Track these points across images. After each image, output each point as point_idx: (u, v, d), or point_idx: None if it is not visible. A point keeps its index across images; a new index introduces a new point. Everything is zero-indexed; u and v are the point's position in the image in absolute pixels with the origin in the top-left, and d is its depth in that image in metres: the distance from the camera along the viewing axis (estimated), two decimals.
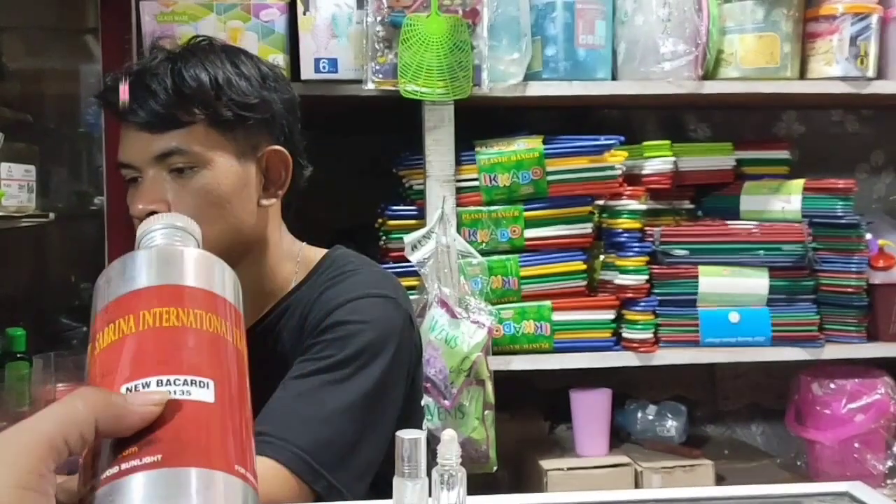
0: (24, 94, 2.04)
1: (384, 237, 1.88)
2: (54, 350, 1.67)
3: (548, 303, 1.85)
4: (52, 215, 1.77)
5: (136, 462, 0.45)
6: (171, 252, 0.54)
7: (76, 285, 2.04)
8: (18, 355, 1.62)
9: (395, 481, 0.74)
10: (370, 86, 1.76)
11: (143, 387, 0.47)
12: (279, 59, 1.81)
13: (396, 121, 1.91)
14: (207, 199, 1.09)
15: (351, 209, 2.16)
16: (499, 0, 1.80)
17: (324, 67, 1.79)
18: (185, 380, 0.48)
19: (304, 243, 1.25)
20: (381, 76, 1.76)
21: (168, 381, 0.48)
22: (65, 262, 2.14)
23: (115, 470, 0.45)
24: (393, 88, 1.76)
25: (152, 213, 1.04)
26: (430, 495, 0.75)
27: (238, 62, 1.14)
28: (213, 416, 0.48)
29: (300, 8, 1.78)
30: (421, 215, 1.83)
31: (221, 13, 1.78)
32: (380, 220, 1.91)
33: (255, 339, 1.10)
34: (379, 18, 1.75)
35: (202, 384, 0.49)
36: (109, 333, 0.50)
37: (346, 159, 2.22)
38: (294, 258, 1.21)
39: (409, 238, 1.78)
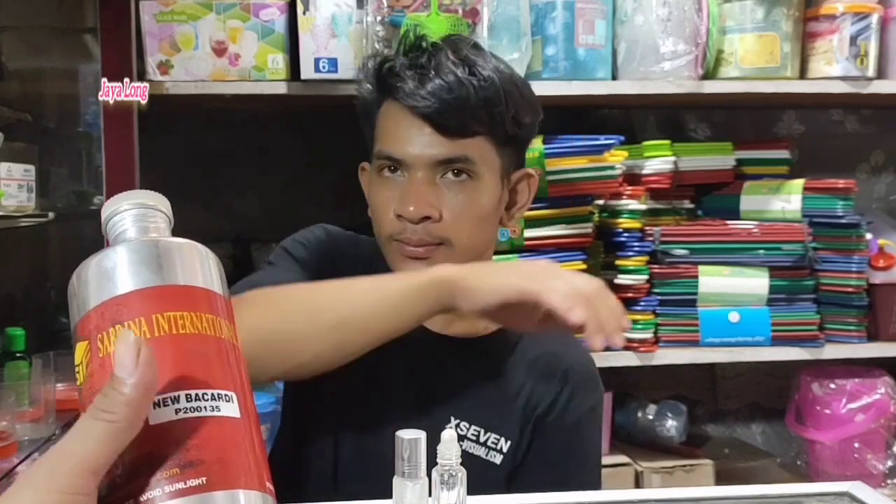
0: (23, 93, 2.04)
1: None
2: (54, 350, 1.66)
3: None
4: (51, 215, 1.77)
5: (180, 485, 0.45)
6: (170, 245, 0.52)
7: None
8: (18, 355, 1.62)
9: (396, 481, 0.74)
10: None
11: (172, 401, 0.47)
12: (279, 58, 1.81)
13: None
14: (474, 211, 1.06)
15: (351, 209, 2.15)
16: (499, 0, 1.79)
17: (323, 67, 1.79)
18: (213, 394, 0.48)
19: None
20: None
21: (197, 395, 0.47)
22: (64, 262, 2.14)
23: (157, 492, 0.45)
24: None
25: (426, 218, 1.03)
26: (430, 495, 0.75)
27: (515, 75, 1.10)
28: (243, 432, 0.48)
29: (300, 7, 1.78)
30: None
31: (221, 13, 1.78)
32: None
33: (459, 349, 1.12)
34: (379, 18, 1.75)
35: (227, 398, 0.48)
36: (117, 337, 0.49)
37: (346, 159, 2.21)
38: None
39: None
